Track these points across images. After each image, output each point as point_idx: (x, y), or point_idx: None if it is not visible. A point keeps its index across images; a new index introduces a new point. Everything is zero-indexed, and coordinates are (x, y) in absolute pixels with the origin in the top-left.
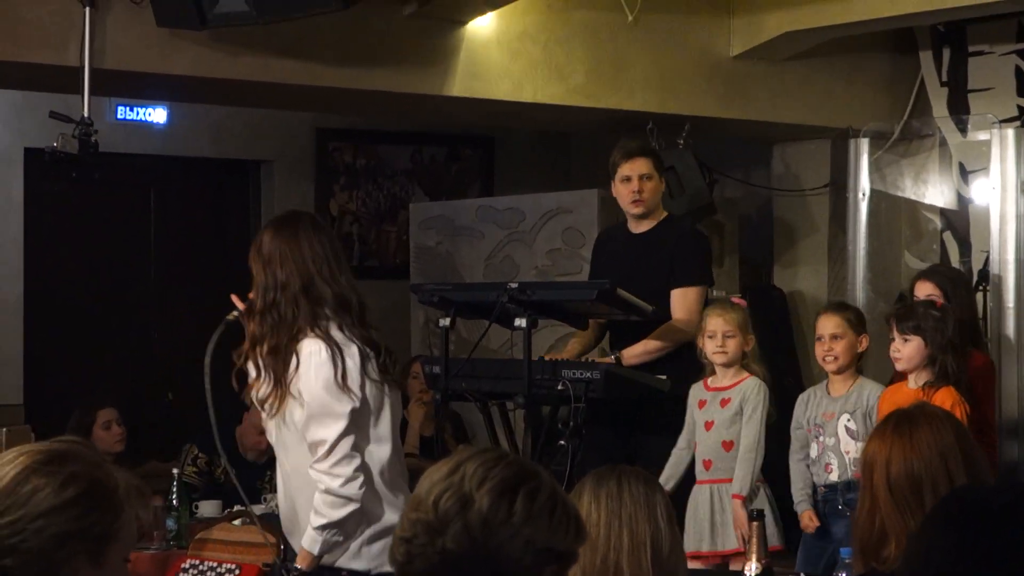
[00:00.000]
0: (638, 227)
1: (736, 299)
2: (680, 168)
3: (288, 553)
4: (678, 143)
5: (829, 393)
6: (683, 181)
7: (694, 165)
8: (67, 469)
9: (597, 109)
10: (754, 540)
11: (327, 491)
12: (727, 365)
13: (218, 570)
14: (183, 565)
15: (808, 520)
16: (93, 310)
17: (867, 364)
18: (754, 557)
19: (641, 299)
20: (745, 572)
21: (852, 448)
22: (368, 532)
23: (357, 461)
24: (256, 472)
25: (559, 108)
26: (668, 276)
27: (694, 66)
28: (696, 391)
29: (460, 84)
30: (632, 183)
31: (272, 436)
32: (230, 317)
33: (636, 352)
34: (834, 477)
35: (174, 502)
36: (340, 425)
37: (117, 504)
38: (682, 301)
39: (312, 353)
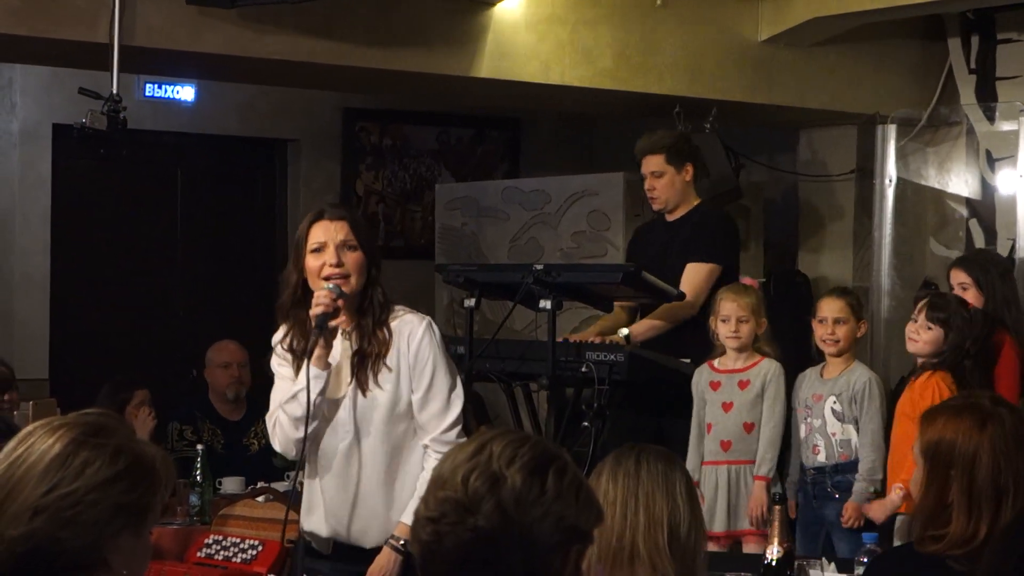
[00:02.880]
0: (671, 216)
1: (749, 280)
2: (706, 152)
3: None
4: (705, 127)
5: (822, 375)
6: (709, 165)
7: (720, 149)
8: (112, 442)
9: (624, 92)
10: (776, 524)
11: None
12: (739, 350)
13: (241, 546)
14: (206, 540)
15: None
16: (119, 286)
17: (891, 352)
18: (776, 541)
19: (669, 282)
20: (767, 555)
21: (838, 430)
22: None
23: None
24: (240, 429)
25: (586, 91)
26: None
27: (722, 50)
28: (704, 374)
29: (488, 65)
30: (646, 181)
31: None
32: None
33: (642, 329)
34: (821, 459)
35: (198, 478)
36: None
37: (157, 477)
38: (690, 277)
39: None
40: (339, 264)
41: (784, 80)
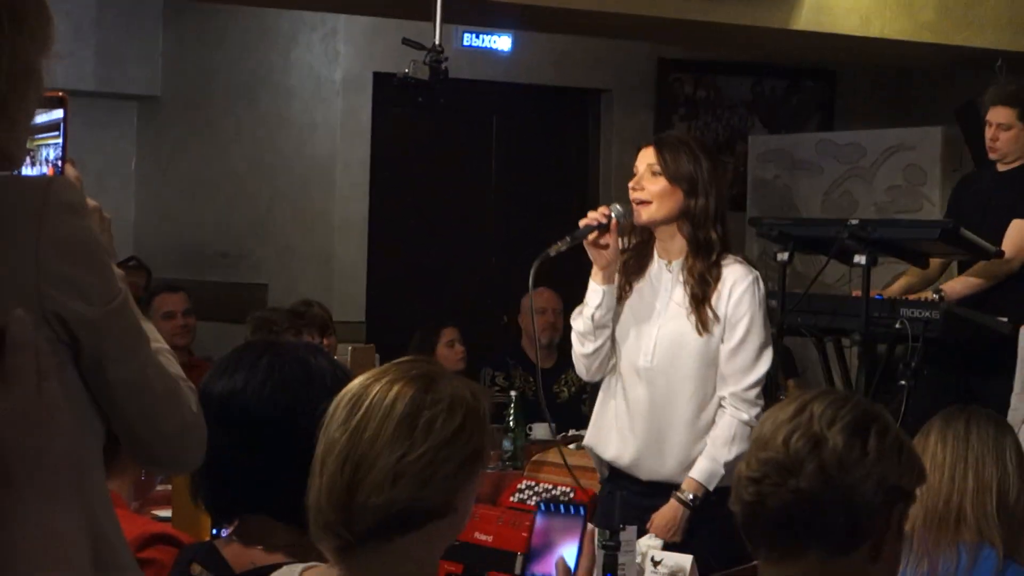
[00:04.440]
0: (1004, 166)
1: None
2: None
3: (619, 478)
4: None
5: None
6: None
7: None
8: (446, 394)
9: (944, 46)
10: None
11: (749, 423)
12: None
13: (553, 492)
14: (519, 486)
15: None
16: (434, 232)
17: None
18: None
19: (990, 233)
20: None
21: None
22: None
23: None
24: (551, 377)
25: (906, 44)
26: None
27: None
28: None
29: (806, 17)
30: (991, 129)
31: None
32: None
33: (957, 288)
34: None
35: (511, 424)
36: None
37: (485, 419)
38: (1013, 233)
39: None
40: (638, 188)
41: None
